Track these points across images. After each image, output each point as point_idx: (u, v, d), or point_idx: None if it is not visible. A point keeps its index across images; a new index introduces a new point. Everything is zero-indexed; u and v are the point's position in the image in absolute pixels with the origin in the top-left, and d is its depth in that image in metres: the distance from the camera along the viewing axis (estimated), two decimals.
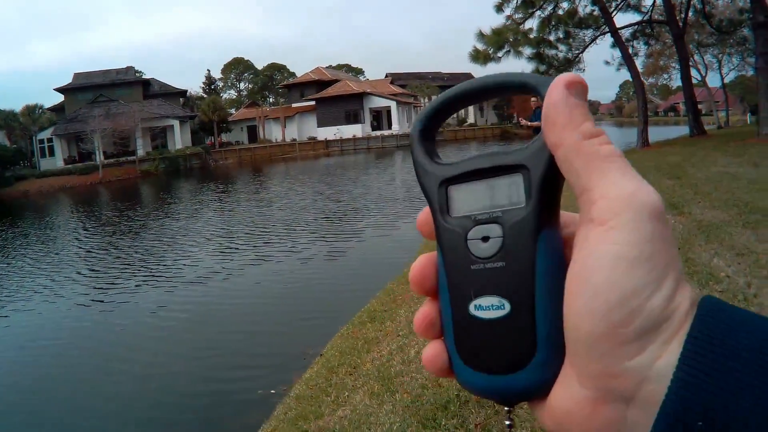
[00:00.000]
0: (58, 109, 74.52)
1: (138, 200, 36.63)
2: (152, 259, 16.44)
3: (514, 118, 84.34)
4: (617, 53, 33.33)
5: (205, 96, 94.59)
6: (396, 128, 73.91)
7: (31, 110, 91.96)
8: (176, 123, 66.95)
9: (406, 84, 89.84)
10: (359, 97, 75.74)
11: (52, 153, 64.07)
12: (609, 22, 30.40)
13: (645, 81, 52.79)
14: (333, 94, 75.64)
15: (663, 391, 0.39)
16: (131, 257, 16.96)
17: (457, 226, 0.53)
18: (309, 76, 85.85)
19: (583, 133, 0.45)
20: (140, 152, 62.05)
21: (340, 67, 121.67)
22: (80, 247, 19.99)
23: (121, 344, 10.02)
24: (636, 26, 34.80)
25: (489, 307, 0.50)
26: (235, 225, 21.48)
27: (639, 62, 38.96)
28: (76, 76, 74.31)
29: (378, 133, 74.02)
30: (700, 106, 43.63)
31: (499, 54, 31.31)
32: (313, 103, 77.68)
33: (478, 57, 31.20)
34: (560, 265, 0.48)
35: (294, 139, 75.71)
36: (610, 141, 0.45)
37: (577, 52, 33.70)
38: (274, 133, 78.98)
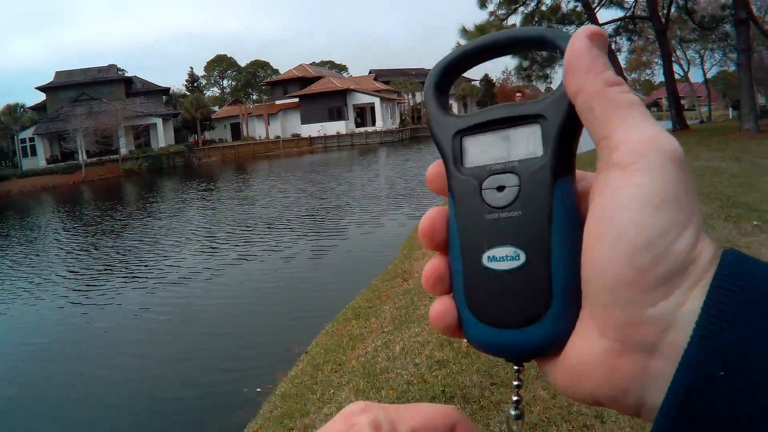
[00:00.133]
0: (39, 107, 73.99)
1: (121, 199, 36.39)
2: (134, 260, 16.29)
3: None
4: None
5: (188, 94, 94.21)
6: (380, 124, 73.93)
7: (12, 109, 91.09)
8: (159, 121, 66.50)
9: (389, 80, 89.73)
10: (343, 93, 75.60)
11: (34, 152, 63.52)
12: (592, 17, 30.59)
13: (628, 76, 53.04)
14: (316, 91, 75.46)
15: (686, 339, 0.38)
16: (113, 258, 16.81)
17: (471, 176, 0.52)
18: (292, 73, 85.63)
19: (606, 80, 0.44)
20: (123, 151, 61.61)
21: (323, 63, 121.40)
22: (61, 248, 19.77)
23: (103, 346, 9.94)
24: (619, 22, 35.06)
25: (503, 258, 0.49)
26: (218, 224, 21.35)
27: (622, 58, 39.27)
28: (58, 74, 73.80)
29: (362, 129, 73.85)
30: (682, 102, 43.95)
31: None
32: (296, 100, 77.51)
33: None
34: (576, 214, 0.47)
35: (278, 137, 75.49)
36: (631, 90, 0.45)
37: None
38: (257, 130, 78.70)
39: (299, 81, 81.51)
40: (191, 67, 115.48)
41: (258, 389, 7.15)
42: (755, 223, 8.24)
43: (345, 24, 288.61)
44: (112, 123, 59.45)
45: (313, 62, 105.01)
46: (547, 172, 0.48)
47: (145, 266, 15.27)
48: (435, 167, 0.55)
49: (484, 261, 0.49)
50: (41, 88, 71.65)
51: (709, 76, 65.55)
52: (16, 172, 59.52)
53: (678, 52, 57.80)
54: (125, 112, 62.43)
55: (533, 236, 0.48)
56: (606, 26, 32.84)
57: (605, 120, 0.43)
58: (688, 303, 0.38)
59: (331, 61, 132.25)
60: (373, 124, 75.15)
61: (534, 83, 40.47)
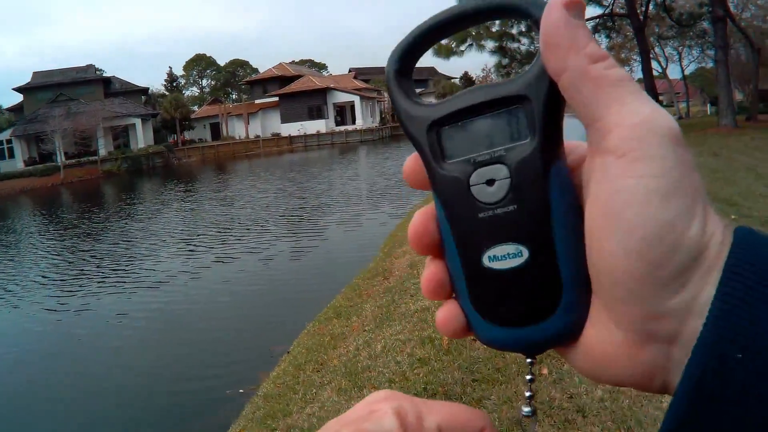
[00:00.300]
0: (16, 109, 73.24)
1: (99, 202, 36.09)
2: (113, 263, 16.15)
3: None
4: None
5: (167, 93, 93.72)
6: (360, 123, 73.83)
7: None
8: (138, 121, 66.05)
9: (369, 78, 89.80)
10: (322, 92, 75.36)
11: (11, 155, 62.79)
12: None
13: None
14: (296, 90, 75.21)
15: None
16: (92, 261, 16.65)
17: (456, 172, 0.47)
18: (272, 71, 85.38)
19: (590, 56, 0.41)
20: (102, 152, 61.10)
21: (303, 62, 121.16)
22: (38, 253, 19.55)
23: (83, 350, 9.86)
24: (597, 19, 35.15)
25: (505, 257, 0.46)
26: (197, 225, 21.24)
27: None
28: (35, 75, 73.10)
29: (342, 128, 73.66)
30: (661, 98, 44.29)
31: (462, 47, 31.55)
32: (276, 99, 77.22)
33: (441, 51, 31.36)
34: (575, 199, 0.45)
35: (257, 136, 75.22)
36: (617, 64, 0.42)
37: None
38: (237, 130, 78.42)
39: (279, 80, 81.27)
40: (170, 67, 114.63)
41: (240, 390, 7.13)
42: (733, 217, 8.29)
43: (324, 22, 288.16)
44: (91, 124, 58.92)
45: (293, 61, 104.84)
46: (537, 159, 0.45)
47: (124, 270, 15.14)
48: (411, 162, 0.51)
49: (485, 261, 0.47)
50: (18, 89, 70.93)
51: (687, 72, 65.84)
52: None
53: (656, 49, 58.08)
54: (104, 113, 61.85)
55: (533, 230, 0.45)
56: (587, 27, 33.01)
57: (594, 101, 0.41)
58: (705, 290, 0.38)
59: (310, 60, 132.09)
60: (353, 122, 75.05)
61: None
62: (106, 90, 72.36)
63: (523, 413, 0.50)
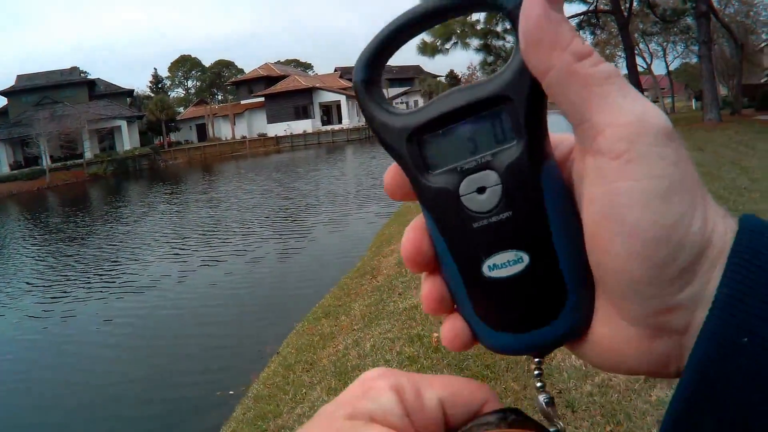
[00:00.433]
0: (1, 112, 72.91)
1: (86, 205, 35.93)
2: (100, 266, 16.05)
3: None
4: None
5: (153, 95, 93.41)
6: (346, 122, 73.75)
7: None
8: (124, 123, 65.78)
9: None
10: (308, 92, 75.27)
11: None
12: None
13: None
14: (282, 90, 75.08)
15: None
16: (77, 266, 16.53)
17: (444, 183, 0.45)
18: (257, 72, 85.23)
19: (575, 54, 0.40)
20: (88, 155, 60.82)
21: (288, 62, 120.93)
22: (24, 258, 19.39)
23: (72, 354, 9.78)
24: (582, 16, 35.30)
25: (506, 264, 0.45)
26: (184, 227, 21.16)
27: None
28: (19, 78, 72.69)
29: (328, 127, 73.56)
30: (646, 94, 44.32)
31: (447, 46, 31.56)
32: (262, 99, 77.07)
33: (426, 49, 31.40)
34: (569, 198, 0.44)
35: (244, 137, 75.04)
36: (603, 59, 0.40)
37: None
38: (223, 131, 78.25)
39: (264, 80, 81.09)
40: (155, 68, 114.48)
41: (230, 392, 7.12)
42: None
43: (309, 21, 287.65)
44: (76, 126, 58.62)
45: (278, 61, 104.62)
46: (526, 161, 0.43)
47: (109, 274, 15.01)
48: (392, 174, 0.48)
49: (486, 271, 0.45)
50: (2, 93, 70.54)
51: (671, 68, 66.28)
52: None
53: (641, 45, 58.34)
54: (89, 116, 61.52)
55: (532, 235, 0.44)
56: (569, 20, 33.09)
57: (582, 101, 0.39)
58: (712, 281, 0.38)
59: (296, 60, 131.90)
60: (340, 122, 74.95)
61: None
62: (90, 92, 72.13)
63: (544, 401, 0.48)
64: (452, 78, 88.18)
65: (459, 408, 0.43)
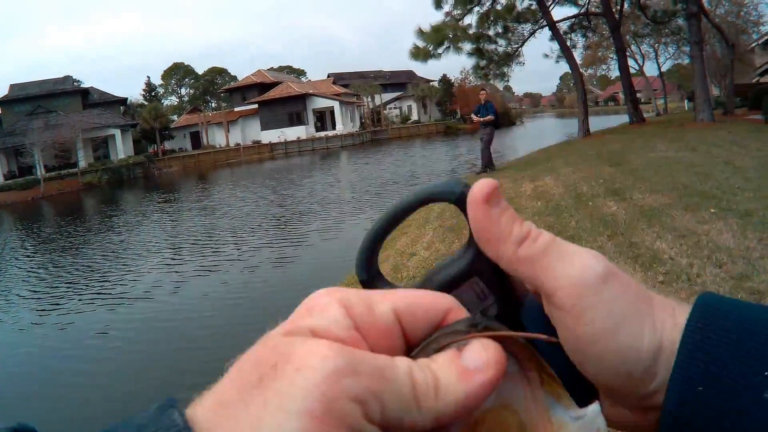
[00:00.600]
0: None
1: (81, 215, 35.74)
2: (95, 276, 15.89)
3: (457, 114, 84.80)
4: (556, 46, 34.07)
5: (146, 103, 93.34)
6: (340, 128, 73.72)
7: None
8: (118, 132, 65.56)
9: (348, 83, 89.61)
10: (302, 98, 75.24)
11: None
12: (546, 15, 30.86)
13: (584, 72, 53.70)
14: (275, 97, 75.14)
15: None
16: (72, 275, 16.38)
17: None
18: (250, 79, 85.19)
19: (516, 241, 0.47)
20: (82, 164, 60.55)
21: (281, 69, 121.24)
22: (19, 268, 19.21)
23: (66, 368, 9.68)
24: (573, 19, 35.45)
25: None
26: (179, 236, 21.00)
27: (577, 54, 39.84)
28: (12, 87, 72.40)
29: (322, 134, 73.51)
30: (638, 95, 44.53)
31: (439, 50, 31.61)
32: (255, 106, 77.09)
33: (419, 54, 31.45)
34: (547, 321, 0.50)
35: (238, 144, 75.05)
36: (540, 231, 0.48)
37: (516, 46, 34.26)
38: (217, 138, 78.22)
39: (258, 87, 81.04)
40: (148, 76, 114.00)
41: None
42: (712, 210, 8.37)
43: (301, 28, 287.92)
44: (70, 135, 58.41)
45: (271, 68, 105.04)
46: (504, 309, 0.52)
47: (102, 285, 14.81)
48: None
49: None
50: None
51: (663, 69, 66.53)
52: None
53: (632, 47, 58.57)
54: (83, 124, 61.26)
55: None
56: (561, 23, 33.20)
57: (531, 276, 0.47)
58: (671, 364, 0.45)
59: (289, 66, 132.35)
60: (333, 128, 74.90)
61: (492, 81, 40.66)
62: (84, 101, 71.83)
63: None
64: (445, 82, 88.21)
65: (418, 319, 0.43)
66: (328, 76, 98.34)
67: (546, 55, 37.97)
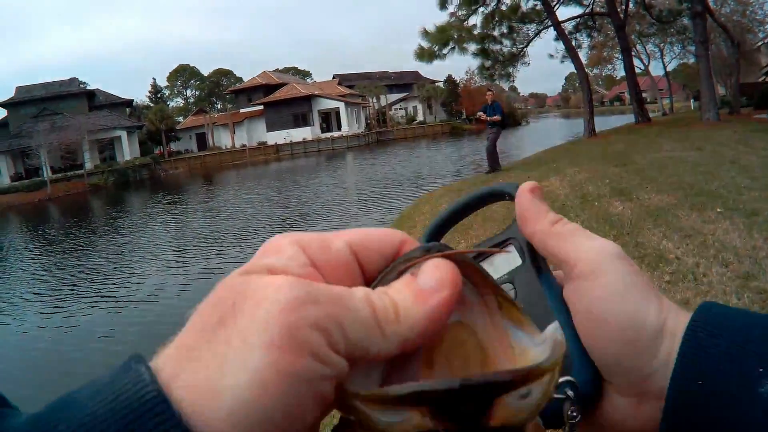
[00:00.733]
0: (1, 124, 72.90)
1: (87, 216, 35.75)
2: (100, 278, 15.85)
3: (462, 114, 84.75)
4: (561, 46, 33.94)
5: (152, 105, 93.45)
6: (345, 129, 73.59)
7: None
8: (124, 134, 65.70)
9: (353, 84, 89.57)
10: (307, 99, 75.12)
11: None
12: (551, 15, 30.76)
13: (589, 72, 53.57)
14: (281, 98, 75.00)
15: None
16: (76, 278, 16.38)
17: None
18: (256, 80, 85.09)
19: (550, 221, 0.56)
20: (88, 165, 60.58)
21: (286, 70, 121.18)
22: (25, 270, 19.23)
23: (70, 371, 9.66)
24: (578, 19, 35.38)
25: None
26: (185, 237, 20.97)
27: (582, 54, 39.63)
28: (18, 89, 72.50)
29: (328, 135, 73.38)
30: (644, 95, 44.53)
31: (444, 51, 31.61)
32: (261, 107, 76.96)
33: (423, 55, 31.45)
34: (563, 299, 0.56)
35: (244, 145, 74.93)
36: (569, 222, 0.57)
37: (521, 46, 34.26)
38: (223, 139, 78.18)
39: (263, 88, 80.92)
40: (154, 78, 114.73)
41: None
42: (718, 210, 8.35)
43: (307, 29, 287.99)
44: (76, 137, 58.38)
45: (277, 69, 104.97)
46: (532, 271, 0.60)
47: (108, 287, 14.72)
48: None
49: None
50: (2, 104, 70.46)
51: (669, 69, 66.25)
52: None
53: (638, 47, 58.39)
54: (89, 126, 61.30)
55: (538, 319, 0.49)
56: (566, 23, 33.09)
57: (559, 248, 0.55)
58: (673, 353, 0.48)
59: (294, 67, 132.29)
60: (339, 129, 74.75)
61: (497, 82, 40.62)
62: (90, 103, 71.85)
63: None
64: (450, 82, 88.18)
65: (373, 252, 0.45)
66: (334, 77, 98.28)
67: (551, 56, 37.97)
